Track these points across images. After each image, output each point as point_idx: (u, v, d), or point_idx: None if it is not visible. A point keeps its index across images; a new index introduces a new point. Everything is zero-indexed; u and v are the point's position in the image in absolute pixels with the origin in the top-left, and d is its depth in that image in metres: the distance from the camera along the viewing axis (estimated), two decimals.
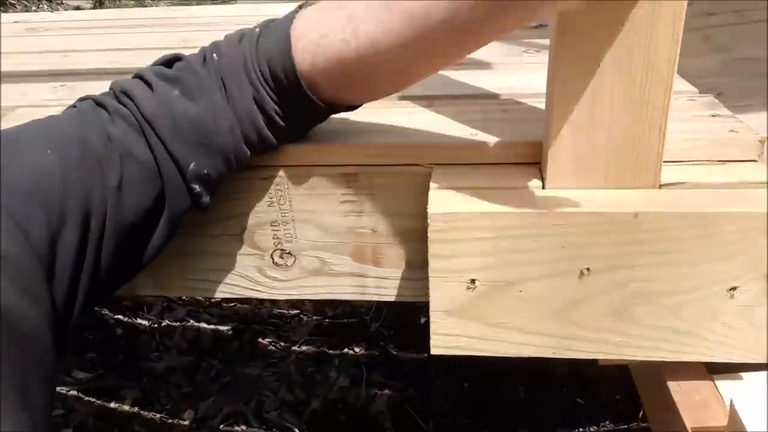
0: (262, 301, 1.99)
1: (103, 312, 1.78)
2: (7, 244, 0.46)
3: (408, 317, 1.88)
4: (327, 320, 1.90)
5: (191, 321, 1.81)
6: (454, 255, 0.54)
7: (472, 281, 0.55)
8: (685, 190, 0.53)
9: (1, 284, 0.46)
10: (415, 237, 0.62)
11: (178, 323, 1.80)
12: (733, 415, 0.49)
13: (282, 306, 1.96)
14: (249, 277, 0.67)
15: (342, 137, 0.62)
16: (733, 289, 0.52)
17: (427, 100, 0.72)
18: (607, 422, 1.44)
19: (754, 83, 1.15)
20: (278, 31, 0.53)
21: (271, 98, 0.53)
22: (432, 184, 0.57)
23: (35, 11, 3.44)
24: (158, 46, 1.09)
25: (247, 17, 1.34)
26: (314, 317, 1.91)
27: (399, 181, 0.61)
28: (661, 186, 0.54)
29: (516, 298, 0.55)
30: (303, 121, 0.58)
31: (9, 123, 0.58)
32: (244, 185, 0.63)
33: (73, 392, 1.50)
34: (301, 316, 1.93)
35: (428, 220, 0.53)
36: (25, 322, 0.47)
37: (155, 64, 0.56)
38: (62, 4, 3.75)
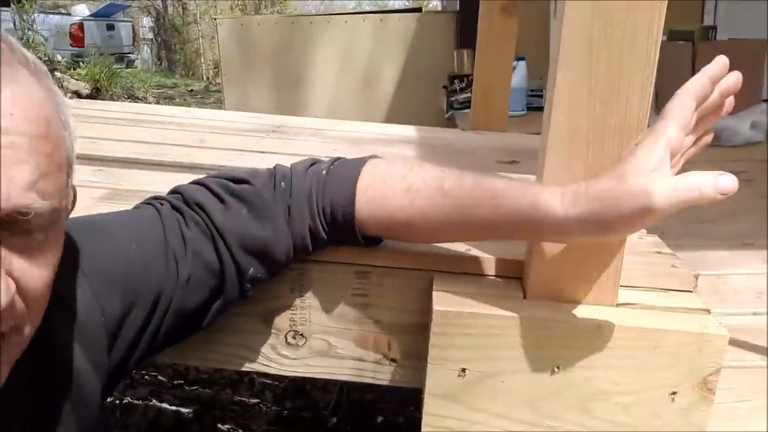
0: (223, 386, 2.01)
1: None
2: (85, 315, 0.56)
3: (365, 415, 1.93)
4: (286, 411, 1.93)
5: (153, 401, 1.82)
6: (450, 346, 0.65)
7: (463, 370, 0.66)
8: (637, 310, 0.67)
9: (74, 347, 0.56)
10: (412, 330, 0.74)
11: (140, 402, 1.81)
12: None
13: (243, 394, 1.99)
14: (263, 353, 0.77)
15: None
16: (674, 393, 0.64)
17: None
18: None
19: (690, 227, 1.34)
20: (346, 179, 0.65)
21: (324, 230, 0.66)
22: (435, 287, 0.69)
23: None
24: (178, 143, 1.22)
25: (251, 123, 1.49)
26: (274, 407, 1.94)
27: (403, 282, 0.72)
28: (618, 305, 0.67)
29: (498, 387, 0.66)
30: (342, 244, 0.69)
31: None
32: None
33: None
34: (261, 405, 1.95)
35: (433, 316, 0.65)
36: (86, 383, 0.57)
37: (219, 177, 0.68)
38: (61, 87, 3.90)
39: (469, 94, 2.63)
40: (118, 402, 1.80)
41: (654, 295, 0.70)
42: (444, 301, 0.66)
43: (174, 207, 0.65)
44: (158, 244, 0.61)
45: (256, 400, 1.96)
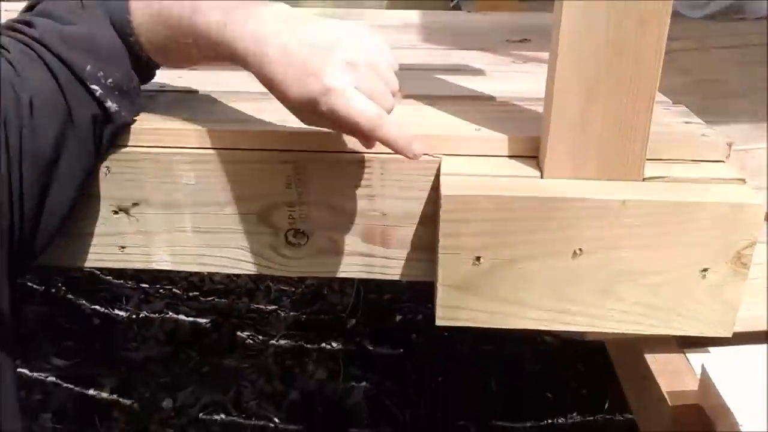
0: (240, 295, 2.02)
1: (80, 302, 1.78)
2: None
3: (383, 315, 1.94)
4: (304, 316, 1.94)
5: (170, 313, 1.83)
6: (463, 234, 0.60)
7: (478, 258, 0.61)
8: (666, 183, 0.61)
9: None
10: (421, 220, 0.68)
11: (157, 315, 1.82)
12: (705, 378, 0.56)
13: (260, 301, 1.99)
14: (263, 255, 0.72)
15: None
16: (705, 270, 0.60)
17: (429, 99, 0.78)
18: (575, 414, 1.52)
19: (713, 101, 1.25)
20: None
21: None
22: (443, 171, 0.63)
23: None
24: None
25: None
26: (291, 313, 1.95)
27: (410, 168, 0.66)
28: (644, 179, 0.61)
29: (517, 274, 0.61)
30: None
31: None
32: (265, 168, 0.68)
33: (51, 379, 1.50)
34: (279, 311, 1.96)
35: (441, 202, 0.59)
36: None
37: (20, 12, 0.62)
38: None
39: None
40: (134, 316, 1.81)
41: (683, 167, 0.63)
42: (453, 186, 0.60)
43: None
44: None
45: (273, 307, 1.97)
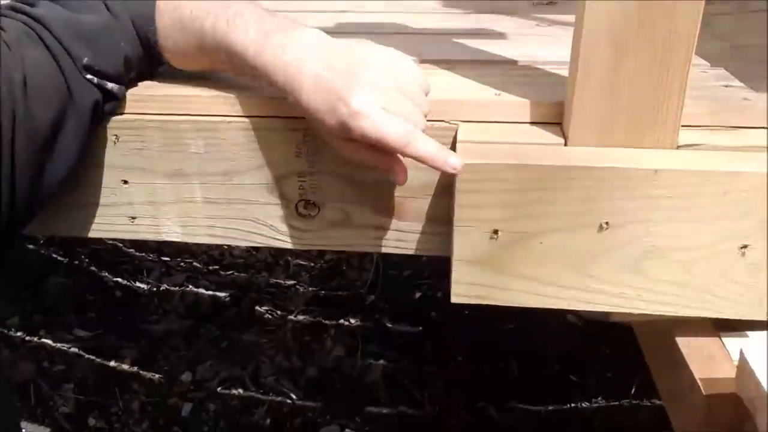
0: (259, 270, 2.01)
1: (102, 274, 1.79)
2: None
3: (403, 292, 1.91)
4: (323, 292, 1.93)
5: (190, 286, 1.83)
6: (478, 205, 0.56)
7: (495, 231, 0.57)
8: (702, 152, 0.56)
9: None
10: (437, 191, 0.65)
11: (177, 288, 1.82)
12: (743, 365, 0.52)
13: (279, 276, 1.98)
14: (273, 227, 0.69)
15: None
16: (744, 247, 0.55)
17: (447, 64, 0.74)
18: (599, 398, 1.48)
19: (753, 68, 1.18)
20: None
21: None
22: (459, 139, 0.59)
23: None
24: None
25: None
26: (310, 288, 1.94)
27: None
28: (678, 147, 0.56)
29: (536, 249, 0.58)
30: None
31: None
32: (272, 135, 0.65)
33: (74, 350, 1.52)
34: (297, 286, 1.95)
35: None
36: None
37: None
38: None
39: None
40: (155, 289, 1.81)
41: (722, 135, 0.59)
42: (470, 153, 0.56)
43: None
44: None
45: (292, 282, 1.96)
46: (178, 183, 0.69)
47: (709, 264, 0.56)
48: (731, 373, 0.56)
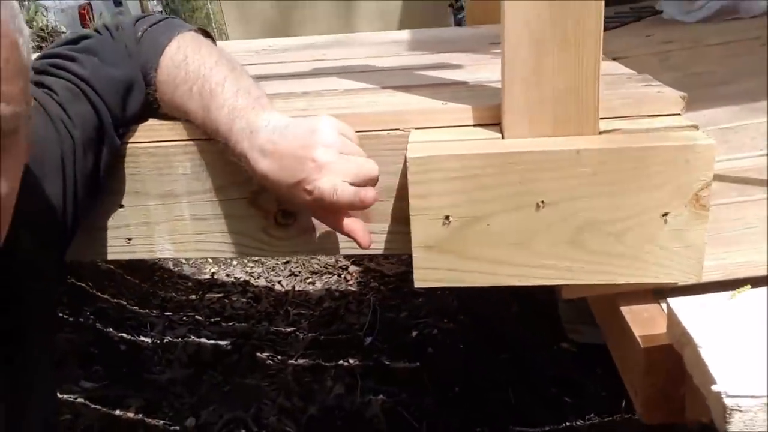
0: (259, 319, 2.06)
1: (107, 330, 1.84)
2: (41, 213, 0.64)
3: (400, 332, 1.96)
4: (322, 336, 1.97)
5: (192, 337, 1.88)
6: (430, 194, 0.64)
7: (447, 217, 0.65)
8: (619, 135, 0.64)
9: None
10: (398, 194, 0.72)
11: (180, 339, 1.87)
12: (669, 311, 0.58)
13: (279, 324, 2.04)
14: (256, 237, 0.77)
15: (336, 111, 0.73)
16: (666, 214, 0.62)
17: (405, 88, 0.83)
18: (593, 415, 1.50)
19: (701, 91, 1.28)
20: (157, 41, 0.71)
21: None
22: (410, 139, 0.67)
23: None
24: None
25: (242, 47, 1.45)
26: (310, 334, 1.98)
27: (384, 144, 0.71)
28: (600, 132, 0.64)
29: (484, 231, 0.65)
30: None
31: None
32: None
33: (80, 400, 1.55)
34: (297, 333, 2.00)
35: (407, 164, 0.63)
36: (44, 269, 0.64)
37: (59, 45, 0.72)
38: None
39: None
40: (158, 342, 1.87)
41: (639, 122, 0.67)
42: (419, 149, 0.65)
43: (36, 83, 0.65)
44: (43, 117, 0.63)
45: (292, 329, 2.01)
46: (169, 203, 0.77)
47: (637, 233, 0.63)
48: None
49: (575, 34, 0.60)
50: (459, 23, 3.02)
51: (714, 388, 0.47)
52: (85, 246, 0.79)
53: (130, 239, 0.79)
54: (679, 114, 0.67)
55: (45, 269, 0.63)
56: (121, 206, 0.78)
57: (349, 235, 0.66)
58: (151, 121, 0.75)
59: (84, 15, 8.76)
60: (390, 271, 2.35)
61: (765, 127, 1.04)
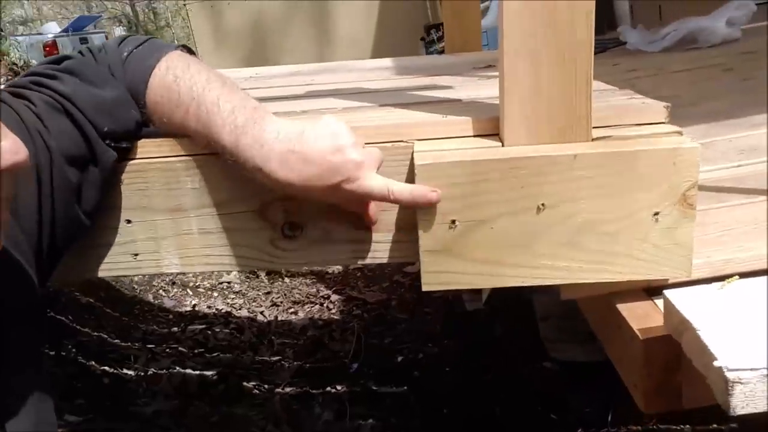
0: (243, 350, 2.05)
1: (89, 363, 1.81)
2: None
3: (385, 357, 1.97)
4: (308, 364, 1.97)
5: (177, 368, 1.86)
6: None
7: (453, 222, 0.68)
8: (611, 141, 0.69)
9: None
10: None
11: (164, 371, 1.84)
12: (666, 302, 0.62)
13: (264, 354, 2.03)
14: (263, 249, 0.79)
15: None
16: (656, 214, 0.67)
17: (403, 106, 0.88)
18: (579, 430, 1.53)
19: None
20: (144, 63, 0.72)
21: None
22: (415, 149, 0.71)
23: None
24: None
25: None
26: (295, 362, 1.98)
27: (388, 155, 0.74)
28: (593, 140, 0.69)
29: (489, 234, 0.68)
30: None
31: None
32: None
33: None
34: (283, 362, 1.99)
35: (416, 171, 0.67)
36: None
37: (40, 64, 0.73)
38: None
39: None
40: (142, 374, 1.84)
41: (627, 129, 0.72)
42: (426, 157, 0.68)
43: (14, 94, 0.66)
44: (17, 124, 0.63)
45: (277, 358, 2.00)
46: (177, 218, 0.79)
47: (631, 232, 0.67)
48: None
49: (569, 45, 0.65)
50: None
51: (715, 363, 0.51)
52: (92, 264, 0.80)
53: (136, 255, 0.81)
54: (664, 122, 0.73)
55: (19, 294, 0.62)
56: (128, 222, 0.79)
57: (370, 219, 0.74)
58: (158, 137, 0.77)
59: (50, 51, 8.76)
60: (372, 298, 2.37)
61: (733, 143, 1.11)
